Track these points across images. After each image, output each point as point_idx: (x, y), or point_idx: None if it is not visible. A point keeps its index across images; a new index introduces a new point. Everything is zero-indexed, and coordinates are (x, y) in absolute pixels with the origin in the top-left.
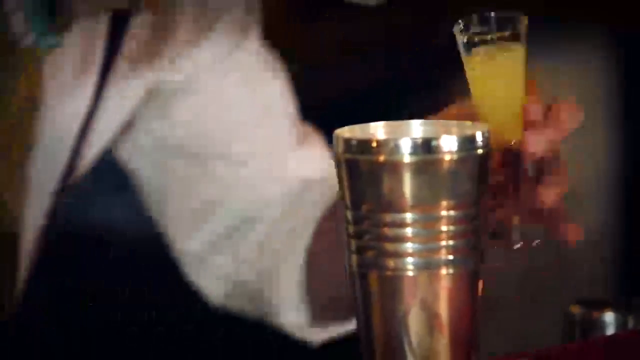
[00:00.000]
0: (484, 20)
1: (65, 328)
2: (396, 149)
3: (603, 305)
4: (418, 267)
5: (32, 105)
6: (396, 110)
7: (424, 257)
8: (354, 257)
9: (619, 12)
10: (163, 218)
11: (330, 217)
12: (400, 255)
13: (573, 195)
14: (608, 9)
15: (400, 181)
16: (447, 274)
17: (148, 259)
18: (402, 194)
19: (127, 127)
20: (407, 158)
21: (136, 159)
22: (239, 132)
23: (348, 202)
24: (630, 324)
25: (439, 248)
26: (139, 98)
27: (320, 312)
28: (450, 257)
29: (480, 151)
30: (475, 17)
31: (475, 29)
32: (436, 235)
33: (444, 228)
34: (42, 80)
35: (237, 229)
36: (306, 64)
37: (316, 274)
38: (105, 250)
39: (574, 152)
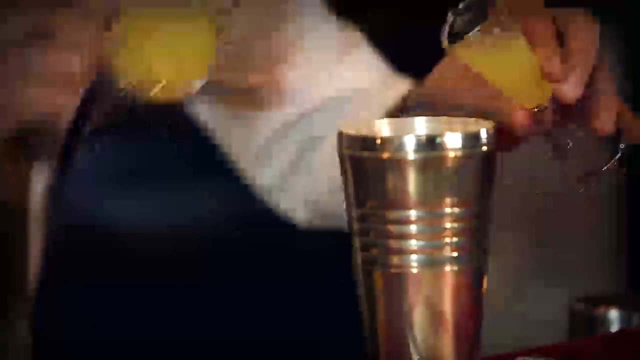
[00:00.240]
0: (467, 9)
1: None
2: (400, 146)
3: (607, 302)
4: (422, 264)
5: None
6: None
7: (428, 254)
8: (359, 254)
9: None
10: (237, 158)
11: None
12: (404, 252)
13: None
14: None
15: (404, 178)
16: (451, 271)
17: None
18: (406, 191)
19: None
20: (411, 155)
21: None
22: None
23: (352, 199)
24: (635, 320)
25: (443, 245)
26: None
27: None
28: (455, 254)
29: (484, 148)
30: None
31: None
32: (440, 233)
33: (448, 225)
34: None
35: (306, 151)
36: None
37: None
38: None
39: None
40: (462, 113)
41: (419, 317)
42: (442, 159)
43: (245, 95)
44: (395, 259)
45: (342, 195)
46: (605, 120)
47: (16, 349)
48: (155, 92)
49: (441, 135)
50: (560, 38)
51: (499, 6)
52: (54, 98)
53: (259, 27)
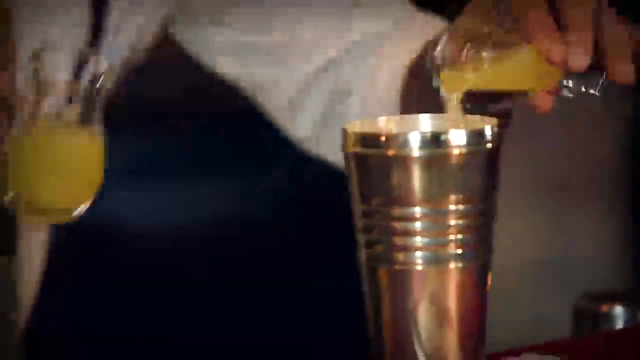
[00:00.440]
0: None
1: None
2: (405, 143)
3: (612, 299)
4: (427, 261)
5: None
6: None
7: (433, 251)
8: (364, 251)
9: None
10: (271, 113)
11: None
12: (409, 249)
13: (582, 187)
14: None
15: (409, 175)
16: (456, 267)
17: None
18: (411, 188)
19: None
20: (416, 152)
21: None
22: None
23: (357, 196)
24: (639, 317)
25: (448, 242)
26: None
27: None
28: (459, 251)
29: (489, 145)
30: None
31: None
32: (445, 230)
33: (452, 222)
34: None
35: (336, 102)
36: None
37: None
38: None
39: (582, 143)
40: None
41: (423, 314)
42: (447, 156)
43: (271, 50)
44: (400, 256)
45: None
46: (622, 71)
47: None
48: (8, 202)
49: (446, 132)
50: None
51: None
52: None
53: None
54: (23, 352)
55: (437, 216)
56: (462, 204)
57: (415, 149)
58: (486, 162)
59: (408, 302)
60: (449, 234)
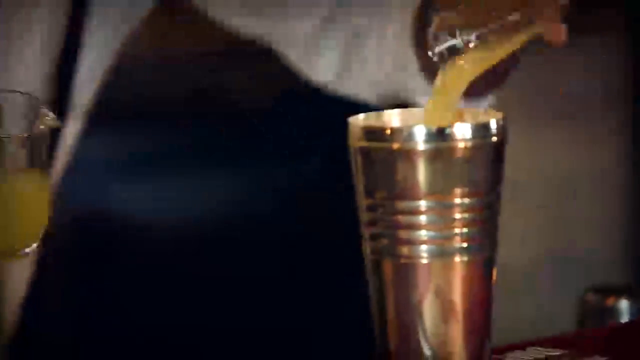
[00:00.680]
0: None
1: None
2: (410, 136)
3: (618, 293)
4: (432, 255)
5: None
6: None
7: (438, 244)
8: (368, 245)
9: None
10: (292, 63)
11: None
12: (414, 242)
13: (587, 182)
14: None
15: (414, 169)
16: (461, 261)
17: None
18: (416, 182)
19: None
20: (421, 146)
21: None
22: None
23: (362, 189)
24: None
25: (453, 236)
26: None
27: None
28: (464, 244)
29: (494, 139)
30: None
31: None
32: (450, 223)
33: (457, 216)
34: None
35: (352, 45)
36: None
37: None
38: None
39: (592, 138)
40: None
41: (428, 307)
42: (452, 150)
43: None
44: (404, 250)
45: (404, 75)
46: (556, 31)
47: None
48: None
49: (451, 125)
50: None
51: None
52: None
53: None
54: (15, 351)
55: (442, 210)
56: (467, 198)
57: (420, 143)
58: (491, 155)
59: (413, 296)
60: (454, 228)
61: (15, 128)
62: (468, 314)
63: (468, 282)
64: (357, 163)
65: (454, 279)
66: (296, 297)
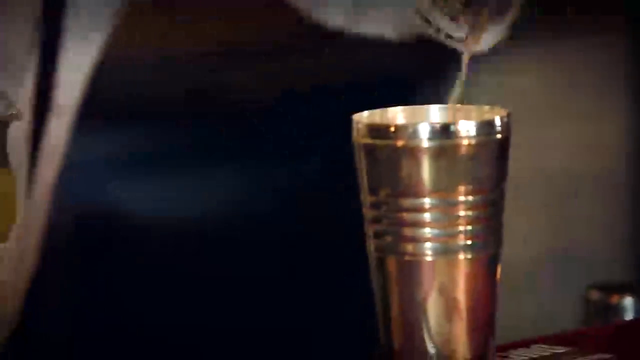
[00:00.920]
0: None
1: None
2: (415, 133)
3: (622, 290)
4: (436, 252)
5: None
6: None
7: (443, 242)
8: (372, 242)
9: None
10: (305, 10)
11: None
12: (418, 240)
13: (590, 180)
14: None
15: (418, 166)
16: (466, 259)
17: None
18: (420, 179)
19: None
20: (425, 143)
21: None
22: None
23: (366, 187)
24: None
25: (458, 233)
26: None
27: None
28: (469, 242)
29: (499, 136)
30: None
31: None
32: (455, 221)
33: (462, 213)
34: None
35: None
36: None
37: None
38: None
39: (594, 136)
40: None
41: (432, 305)
42: (457, 147)
43: None
44: (409, 247)
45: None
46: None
47: None
48: None
49: (455, 122)
50: None
51: None
52: None
53: None
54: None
55: (446, 207)
56: (472, 195)
57: (424, 140)
58: (496, 152)
59: (417, 294)
60: (458, 225)
61: None
62: (472, 311)
63: (472, 279)
64: (361, 160)
65: (458, 277)
66: (296, 297)
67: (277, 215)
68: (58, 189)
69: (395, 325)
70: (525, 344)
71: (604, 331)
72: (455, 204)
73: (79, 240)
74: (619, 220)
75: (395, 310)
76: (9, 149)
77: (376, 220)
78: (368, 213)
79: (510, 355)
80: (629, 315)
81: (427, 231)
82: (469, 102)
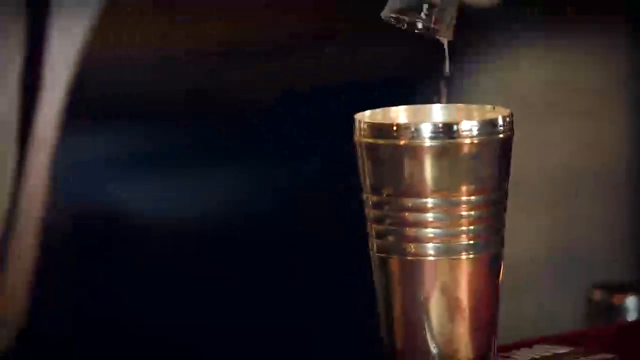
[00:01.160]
0: None
1: None
2: (417, 133)
3: (625, 290)
4: (439, 252)
5: None
6: None
7: (445, 242)
8: (375, 242)
9: None
10: None
11: None
12: (421, 240)
13: (591, 179)
14: None
15: (421, 166)
16: (468, 258)
17: None
18: (422, 179)
19: None
20: (428, 142)
21: None
22: None
23: (368, 186)
24: None
25: (460, 233)
26: None
27: None
28: (471, 242)
29: (501, 135)
30: None
31: None
32: (457, 220)
33: (464, 213)
34: None
35: None
36: None
37: None
38: None
39: (595, 134)
40: None
41: (435, 305)
42: (459, 146)
43: None
44: (411, 247)
45: None
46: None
47: None
48: None
49: (458, 122)
50: None
51: None
52: None
53: None
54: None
55: (448, 207)
56: (474, 195)
57: (427, 139)
58: (498, 152)
59: (419, 293)
60: (460, 225)
61: None
62: (474, 311)
63: (474, 279)
64: (362, 160)
65: (460, 276)
66: (296, 297)
67: (277, 215)
68: (58, 189)
69: (398, 325)
70: (528, 344)
71: (606, 331)
72: (458, 203)
73: (78, 240)
74: (622, 219)
75: (397, 310)
76: None
77: (378, 220)
78: (370, 213)
79: (513, 356)
80: (631, 316)
81: (430, 231)
82: (471, 102)
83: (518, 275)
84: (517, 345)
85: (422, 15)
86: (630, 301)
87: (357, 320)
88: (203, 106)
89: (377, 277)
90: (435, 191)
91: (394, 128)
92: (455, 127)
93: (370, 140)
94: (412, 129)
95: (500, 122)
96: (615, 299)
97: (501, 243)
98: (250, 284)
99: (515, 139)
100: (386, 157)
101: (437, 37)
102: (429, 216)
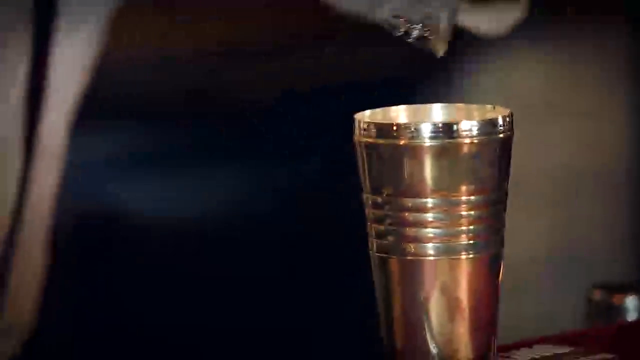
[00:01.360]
0: None
1: None
2: (417, 132)
3: (624, 290)
4: (439, 252)
5: None
6: None
7: (445, 242)
8: (374, 242)
9: None
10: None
11: None
12: (420, 240)
13: (592, 179)
14: None
15: (420, 165)
16: (468, 258)
17: None
18: (422, 179)
19: None
20: (427, 142)
21: None
22: None
23: (368, 186)
24: None
25: (460, 233)
26: None
27: None
28: (471, 242)
29: (501, 135)
30: None
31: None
32: (457, 220)
33: (464, 213)
34: None
35: None
36: None
37: None
38: None
39: (595, 134)
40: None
41: (434, 305)
42: (459, 146)
43: None
44: (411, 247)
45: None
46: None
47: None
48: None
49: (458, 122)
50: None
51: None
52: None
53: None
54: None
55: (448, 207)
56: (474, 195)
57: (426, 139)
58: (498, 152)
59: (419, 293)
60: (460, 225)
61: None
62: (474, 311)
63: (474, 279)
64: (362, 160)
65: (460, 276)
66: (296, 297)
67: (277, 215)
68: (58, 190)
69: (398, 325)
70: (528, 344)
71: (606, 331)
72: (458, 203)
73: (80, 240)
74: (622, 219)
75: (397, 310)
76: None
77: (378, 220)
78: (370, 213)
79: (513, 356)
80: (631, 316)
81: (429, 231)
82: (471, 102)
83: (518, 275)
84: (517, 345)
85: (419, 25)
86: (630, 301)
87: (357, 320)
88: (203, 106)
89: (377, 277)
90: (435, 191)
91: (394, 128)
92: (455, 127)
93: (370, 140)
94: (412, 129)
95: (500, 122)
96: (615, 299)
97: (501, 243)
98: (250, 284)
99: (515, 139)
100: (386, 157)
101: (431, 48)
102: (429, 216)
